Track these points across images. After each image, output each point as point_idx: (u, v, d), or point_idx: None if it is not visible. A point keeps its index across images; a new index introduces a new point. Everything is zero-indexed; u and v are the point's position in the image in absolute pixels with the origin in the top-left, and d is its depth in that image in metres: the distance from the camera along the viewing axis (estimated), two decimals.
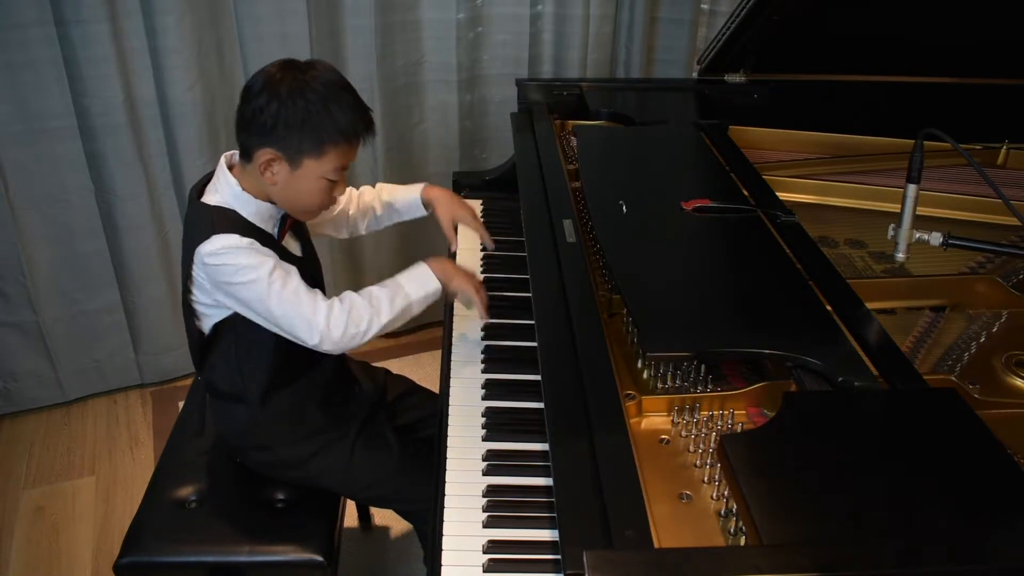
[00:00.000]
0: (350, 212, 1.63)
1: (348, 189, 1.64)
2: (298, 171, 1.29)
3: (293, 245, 1.43)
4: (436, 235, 2.67)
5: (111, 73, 2.10)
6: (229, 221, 1.30)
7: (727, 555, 0.93)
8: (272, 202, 1.35)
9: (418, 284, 1.39)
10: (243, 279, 1.28)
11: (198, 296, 1.37)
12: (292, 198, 1.33)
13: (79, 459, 2.35)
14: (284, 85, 1.25)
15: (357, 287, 1.42)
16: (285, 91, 1.24)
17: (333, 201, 1.37)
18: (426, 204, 1.64)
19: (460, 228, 1.95)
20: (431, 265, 1.41)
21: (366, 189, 1.65)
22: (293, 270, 1.32)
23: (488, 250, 1.59)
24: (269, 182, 1.30)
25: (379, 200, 1.64)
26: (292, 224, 1.41)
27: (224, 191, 1.33)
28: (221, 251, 1.27)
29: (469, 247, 1.84)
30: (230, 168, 1.35)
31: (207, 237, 1.28)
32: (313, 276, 1.48)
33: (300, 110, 1.24)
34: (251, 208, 1.33)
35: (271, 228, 1.37)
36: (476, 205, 2.02)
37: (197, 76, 2.20)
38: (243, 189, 1.32)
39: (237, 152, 1.35)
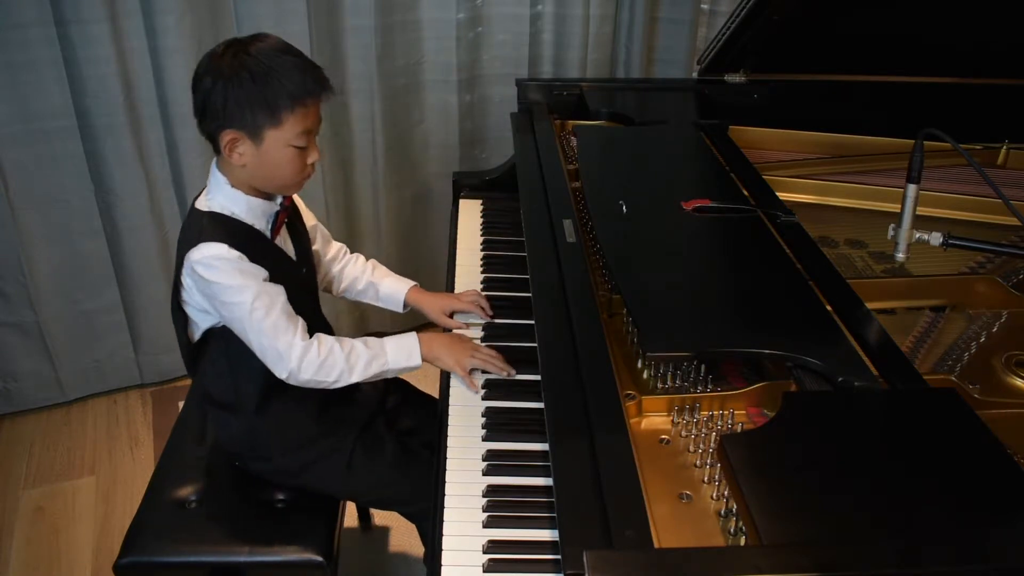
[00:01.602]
0: (332, 266, 1.62)
1: (339, 246, 1.64)
2: (263, 145, 1.27)
3: (287, 246, 1.43)
4: (437, 232, 2.69)
5: (111, 73, 2.10)
6: (219, 226, 1.31)
7: (727, 555, 0.93)
8: (263, 196, 1.35)
9: (401, 356, 1.41)
10: (227, 299, 1.30)
11: (188, 300, 1.37)
12: (267, 174, 1.32)
13: (79, 459, 2.34)
14: (225, 63, 1.24)
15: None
16: (228, 69, 1.23)
17: (310, 170, 1.34)
18: (407, 304, 1.64)
19: (460, 221, 1.96)
20: (422, 342, 1.42)
21: (360, 258, 1.65)
22: (279, 295, 1.32)
23: (488, 319, 1.57)
24: (238, 164, 1.29)
25: (366, 276, 1.63)
26: (284, 220, 1.41)
27: (215, 191, 1.34)
28: (210, 261, 1.28)
29: (469, 247, 1.84)
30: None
31: (195, 244, 1.29)
32: (306, 281, 1.48)
33: (246, 83, 1.23)
34: (242, 205, 1.34)
35: (264, 225, 1.37)
36: (476, 205, 2.02)
37: None
38: (232, 186, 1.33)
39: None
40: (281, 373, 1.34)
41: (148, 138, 2.23)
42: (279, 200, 1.38)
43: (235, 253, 1.29)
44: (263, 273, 1.32)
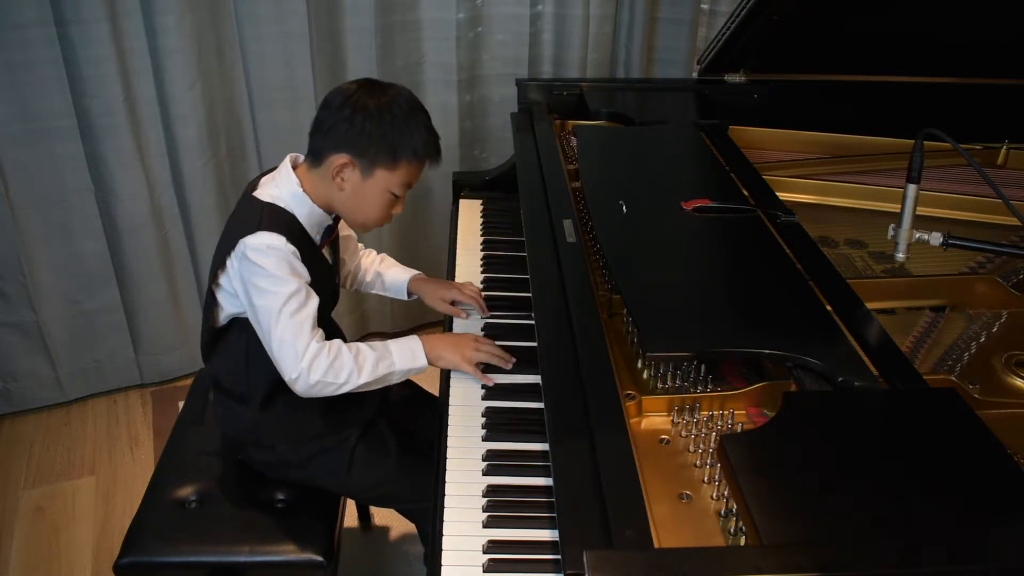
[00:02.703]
0: (351, 262, 1.67)
1: (360, 245, 1.70)
2: (369, 180, 1.35)
3: (328, 253, 1.48)
4: (437, 232, 2.69)
5: (111, 73, 2.10)
6: (279, 219, 1.34)
7: (727, 555, 0.93)
8: (327, 209, 1.40)
9: (406, 358, 1.42)
10: (265, 286, 1.31)
11: (224, 284, 1.39)
12: (355, 207, 1.39)
13: (79, 459, 2.35)
14: (372, 100, 1.32)
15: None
16: (374, 106, 1.32)
17: (389, 219, 1.42)
18: (411, 292, 1.67)
19: (460, 221, 1.96)
20: (425, 343, 1.43)
21: (371, 252, 1.71)
22: (312, 301, 1.35)
23: (484, 316, 1.59)
24: (338, 187, 1.35)
25: (374, 268, 1.69)
26: (334, 236, 1.47)
27: (283, 187, 1.38)
28: (264, 249, 1.31)
29: (469, 247, 1.84)
30: (294, 168, 1.40)
31: (253, 231, 1.31)
32: (335, 289, 1.53)
33: (386, 124, 1.32)
34: (304, 210, 1.37)
35: (315, 234, 1.41)
36: (476, 205, 2.02)
37: (197, 76, 2.19)
38: (303, 190, 1.37)
39: (302, 155, 1.41)
40: (291, 373, 1.33)
41: (148, 138, 2.23)
42: (333, 216, 1.43)
43: (291, 247, 1.32)
44: (307, 276, 1.35)
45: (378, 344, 1.42)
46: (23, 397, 2.47)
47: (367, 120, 1.31)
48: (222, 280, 1.38)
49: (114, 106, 2.15)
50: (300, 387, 1.35)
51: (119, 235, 2.33)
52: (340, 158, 1.33)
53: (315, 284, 1.37)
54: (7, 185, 2.16)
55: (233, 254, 1.34)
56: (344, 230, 1.59)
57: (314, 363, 1.32)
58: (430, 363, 1.43)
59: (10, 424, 2.46)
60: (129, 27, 2.09)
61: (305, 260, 1.35)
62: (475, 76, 2.57)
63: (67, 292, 2.37)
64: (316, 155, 1.36)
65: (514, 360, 1.42)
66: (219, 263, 1.37)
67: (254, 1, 2.20)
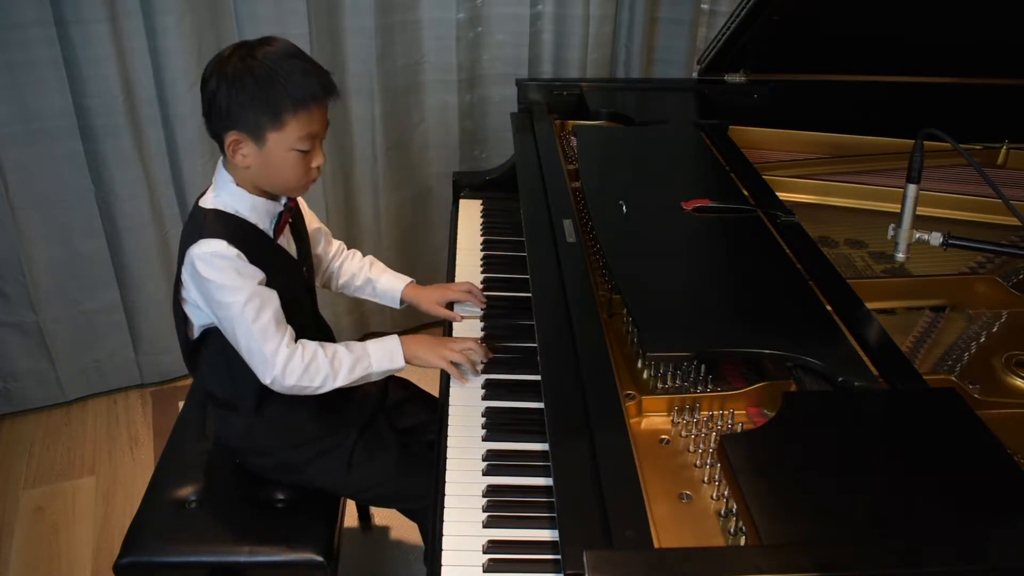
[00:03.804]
0: (332, 263, 1.64)
1: (338, 243, 1.65)
2: (265, 147, 1.28)
3: (290, 247, 1.44)
4: (437, 232, 2.69)
5: (111, 73, 2.10)
6: (220, 223, 1.31)
7: (727, 555, 0.93)
8: (269, 196, 1.36)
9: (384, 359, 1.41)
10: (220, 298, 1.30)
11: (187, 297, 1.38)
12: (269, 177, 1.33)
13: (79, 459, 2.35)
14: (231, 66, 1.25)
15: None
16: (232, 72, 1.24)
17: (314, 173, 1.34)
18: (403, 300, 1.64)
19: (460, 221, 1.96)
20: (403, 343, 1.42)
21: (357, 254, 1.66)
22: (271, 300, 1.32)
23: (482, 309, 1.60)
24: (242, 165, 1.30)
25: (364, 272, 1.64)
26: (288, 221, 1.42)
27: (221, 189, 1.35)
28: (208, 258, 1.28)
29: (469, 247, 1.84)
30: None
31: (196, 239, 1.29)
32: (306, 280, 1.50)
33: (249, 87, 1.24)
34: (246, 204, 1.34)
35: (267, 225, 1.37)
36: (476, 205, 2.02)
37: (197, 76, 2.18)
38: (237, 184, 1.34)
39: None
40: (265, 378, 1.34)
41: (148, 138, 2.24)
42: (283, 201, 1.39)
43: (233, 251, 1.29)
44: (259, 276, 1.32)
45: (356, 345, 1.41)
46: (23, 397, 2.47)
47: (232, 88, 1.23)
48: (184, 294, 1.37)
49: (114, 106, 2.15)
50: (277, 389, 1.36)
51: (119, 235, 2.33)
52: (229, 136, 1.27)
53: (278, 279, 1.35)
54: (7, 185, 2.16)
55: (184, 267, 1.33)
56: (313, 222, 1.56)
57: (288, 367, 1.32)
58: (407, 362, 1.43)
59: (10, 424, 2.46)
60: (129, 27, 2.09)
61: (258, 257, 1.32)
62: (475, 76, 2.57)
63: (67, 292, 2.37)
64: (217, 143, 1.31)
65: (490, 355, 1.42)
66: (178, 278, 1.36)
67: (254, 1, 2.20)
